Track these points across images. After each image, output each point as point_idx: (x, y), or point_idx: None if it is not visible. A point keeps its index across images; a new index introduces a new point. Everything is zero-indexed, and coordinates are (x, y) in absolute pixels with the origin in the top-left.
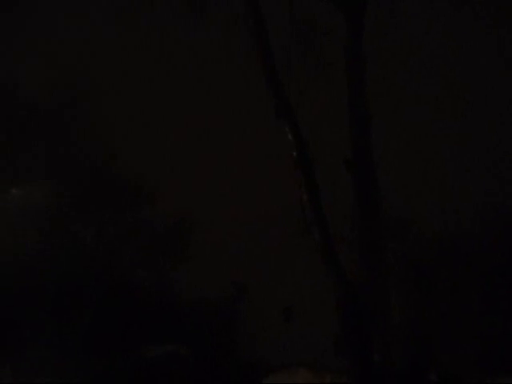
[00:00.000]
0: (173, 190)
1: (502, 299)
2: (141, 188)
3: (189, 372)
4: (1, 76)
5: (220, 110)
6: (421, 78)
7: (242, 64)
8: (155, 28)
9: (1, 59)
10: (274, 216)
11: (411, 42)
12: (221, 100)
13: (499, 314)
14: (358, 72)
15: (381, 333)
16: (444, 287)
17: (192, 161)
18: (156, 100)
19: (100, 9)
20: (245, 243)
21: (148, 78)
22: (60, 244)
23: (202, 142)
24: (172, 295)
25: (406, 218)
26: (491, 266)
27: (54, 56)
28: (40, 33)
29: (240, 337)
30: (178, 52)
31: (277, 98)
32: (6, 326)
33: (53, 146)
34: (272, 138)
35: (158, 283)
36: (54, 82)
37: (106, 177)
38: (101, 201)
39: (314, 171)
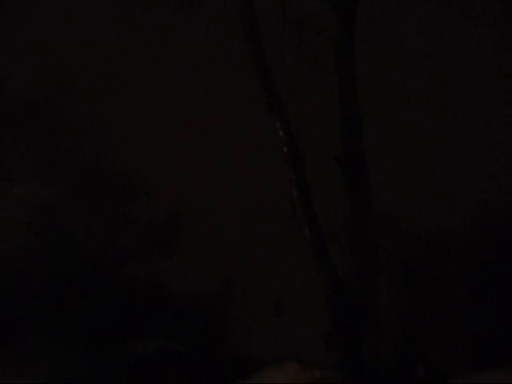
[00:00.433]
0: (165, 184)
1: (491, 296)
2: (133, 182)
3: (181, 366)
4: None
5: (213, 106)
6: (412, 77)
7: (234, 61)
8: (146, 24)
9: None
10: (266, 211)
11: (403, 41)
12: (214, 97)
13: (487, 310)
14: (349, 71)
15: (370, 329)
16: (433, 284)
17: (185, 155)
18: (149, 95)
19: (93, 5)
20: (237, 238)
21: (141, 74)
22: (53, 237)
23: (195, 137)
24: (164, 289)
25: (397, 215)
26: (481, 262)
27: (48, 53)
28: (35, 31)
29: (231, 331)
30: (171, 49)
31: (269, 95)
32: None
33: (46, 141)
34: (264, 135)
35: (149, 277)
36: (47, 78)
37: (99, 170)
38: (94, 194)
39: (304, 168)
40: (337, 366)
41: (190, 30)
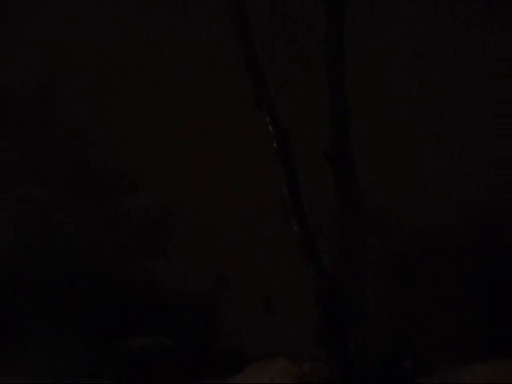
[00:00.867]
0: (156, 182)
1: (479, 292)
2: (125, 179)
3: (173, 362)
4: None
5: (204, 102)
6: (402, 76)
7: (223, 56)
8: (137, 21)
9: None
10: (256, 207)
11: (392, 41)
12: (205, 92)
13: (475, 306)
14: (338, 69)
15: (358, 324)
16: (422, 280)
17: (176, 152)
18: (140, 91)
19: (86, 2)
20: (229, 235)
21: (132, 70)
22: (42, 235)
23: (187, 134)
24: (156, 286)
25: (387, 212)
26: (469, 259)
27: (37, 48)
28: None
29: (223, 327)
30: (159, 44)
31: (258, 90)
32: None
33: (35, 137)
34: (257, 132)
35: (141, 274)
36: (35, 72)
37: (90, 167)
38: (84, 191)
39: (294, 164)
40: (325, 360)
41: (178, 27)
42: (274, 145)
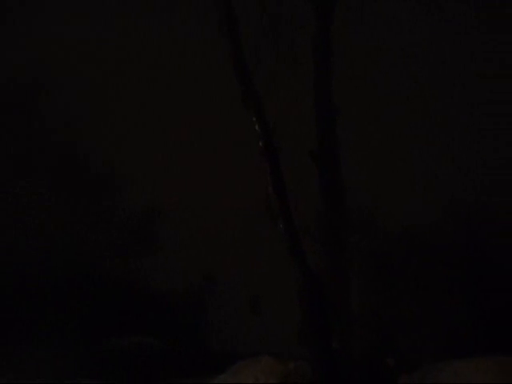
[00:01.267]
0: (141, 179)
1: (463, 290)
2: (110, 176)
3: (157, 361)
4: None
5: (192, 100)
6: (390, 76)
7: (210, 53)
8: (121, 19)
9: None
10: (242, 206)
11: (381, 41)
12: (192, 91)
13: (459, 304)
14: (325, 67)
15: (342, 322)
16: (406, 279)
17: (163, 150)
18: (125, 89)
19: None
20: (214, 234)
21: (115, 67)
22: (25, 234)
23: (171, 131)
24: (140, 285)
25: (372, 211)
26: (454, 259)
27: (18, 46)
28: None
29: (208, 326)
30: (143, 40)
31: (245, 87)
32: None
33: (16, 134)
34: (242, 130)
35: (126, 273)
36: (17, 70)
37: (74, 164)
38: (68, 188)
39: (279, 162)
40: (309, 358)
41: (165, 25)
42: (261, 144)
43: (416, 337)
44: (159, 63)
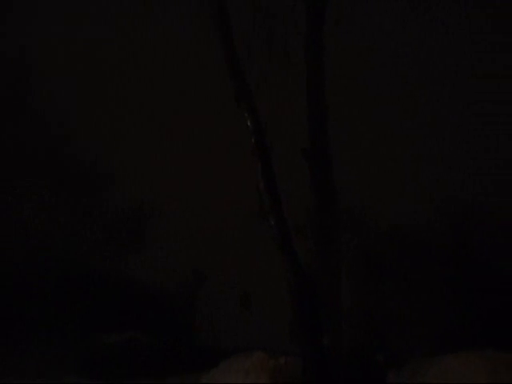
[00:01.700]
0: (131, 175)
1: (452, 287)
2: (100, 172)
3: (148, 358)
4: None
5: (183, 98)
6: (382, 76)
7: (202, 49)
8: (110, 14)
9: None
10: (233, 202)
11: (373, 40)
12: (184, 88)
13: (448, 300)
14: (317, 67)
15: (332, 317)
16: (396, 275)
17: (151, 145)
18: (116, 86)
19: None
20: (204, 230)
21: (107, 63)
22: (12, 229)
23: (162, 126)
24: (130, 281)
25: (364, 210)
26: (443, 256)
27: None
28: None
29: (198, 322)
30: (133, 39)
31: (237, 84)
32: None
33: (4, 129)
34: (234, 128)
35: (115, 269)
36: (7, 63)
37: (63, 160)
38: (58, 184)
39: (271, 159)
40: (299, 354)
41: (156, 23)
42: (252, 140)
43: (406, 334)
44: (152, 62)
